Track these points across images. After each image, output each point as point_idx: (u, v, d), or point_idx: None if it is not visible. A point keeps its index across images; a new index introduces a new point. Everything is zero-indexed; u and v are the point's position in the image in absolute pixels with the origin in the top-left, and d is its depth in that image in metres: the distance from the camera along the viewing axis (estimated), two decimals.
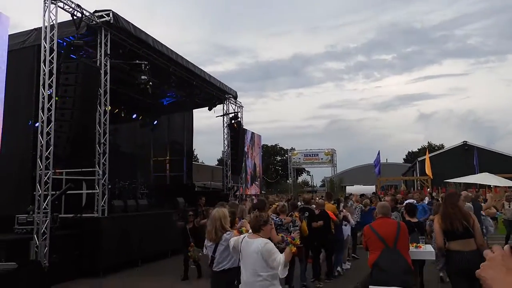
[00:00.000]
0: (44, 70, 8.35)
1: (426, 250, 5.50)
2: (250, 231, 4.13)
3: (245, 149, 20.34)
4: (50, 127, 8.24)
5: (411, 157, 60.02)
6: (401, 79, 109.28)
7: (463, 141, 35.42)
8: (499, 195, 18.13)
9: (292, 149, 37.49)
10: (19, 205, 8.65)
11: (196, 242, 8.22)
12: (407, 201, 8.82)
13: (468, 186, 20.85)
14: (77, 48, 8.74)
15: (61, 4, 8.64)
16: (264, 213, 4.59)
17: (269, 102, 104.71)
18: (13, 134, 8.81)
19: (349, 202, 11.21)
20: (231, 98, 17.03)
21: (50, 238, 7.99)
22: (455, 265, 4.63)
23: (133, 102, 14.67)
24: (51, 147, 8.21)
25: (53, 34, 8.46)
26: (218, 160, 47.97)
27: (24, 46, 9.45)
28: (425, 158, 25.72)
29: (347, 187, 34.11)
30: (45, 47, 8.36)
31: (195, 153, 38.07)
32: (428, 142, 62.87)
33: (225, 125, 17.11)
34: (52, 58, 8.41)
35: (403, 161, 63.01)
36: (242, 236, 4.08)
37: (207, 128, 71.05)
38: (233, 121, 17.04)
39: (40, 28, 8.65)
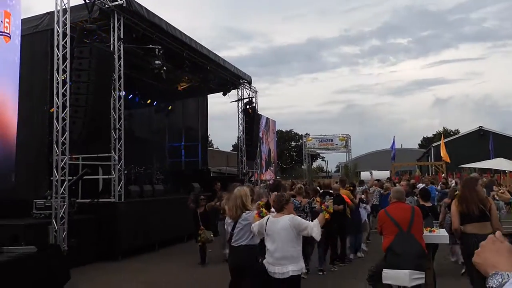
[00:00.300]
0: (57, 55, 8.30)
1: (440, 234, 5.45)
2: (272, 212, 4.41)
3: (260, 134, 20.17)
4: (65, 113, 8.23)
5: (426, 142, 59.08)
6: (417, 64, 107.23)
7: (479, 126, 34.88)
8: None
9: (307, 134, 36.95)
10: (37, 190, 8.74)
11: (206, 226, 8.26)
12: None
13: (483, 171, 20.39)
14: (90, 33, 8.63)
15: None
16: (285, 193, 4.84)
17: (283, 88, 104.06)
18: (30, 119, 8.86)
19: (364, 186, 11.23)
20: (245, 83, 16.82)
21: (68, 223, 8.07)
22: (470, 247, 4.68)
23: (148, 88, 14.61)
24: (66, 133, 8.21)
25: (65, 18, 8.37)
26: (233, 146, 48.04)
27: (37, 31, 9.40)
28: (439, 144, 25.26)
29: (361, 172, 33.76)
30: (58, 31, 8.29)
31: (210, 138, 38.11)
32: (444, 127, 61.78)
33: (240, 110, 16.97)
34: (66, 42, 8.34)
35: (418, 146, 62.05)
36: (265, 218, 4.29)
37: (222, 113, 71.30)
38: (247, 107, 16.87)
39: (53, 12, 8.57)
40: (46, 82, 8.93)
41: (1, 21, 7.46)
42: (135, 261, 9.14)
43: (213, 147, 43.08)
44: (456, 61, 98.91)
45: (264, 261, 4.26)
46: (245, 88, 16.97)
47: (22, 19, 7.81)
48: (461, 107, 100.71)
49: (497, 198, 8.19)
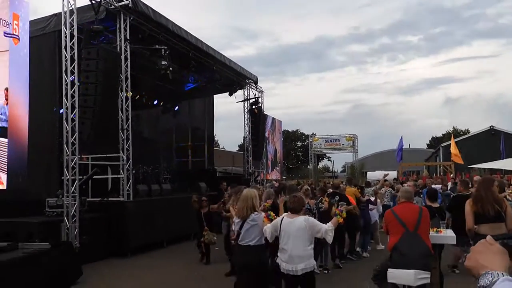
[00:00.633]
0: (65, 56, 8.42)
1: (446, 235, 5.41)
2: (281, 214, 4.68)
3: (266, 134, 20.22)
4: (74, 113, 8.36)
5: (435, 142, 58.51)
6: (427, 62, 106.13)
7: (490, 126, 34.28)
8: None
9: (313, 134, 36.90)
10: (49, 190, 8.95)
11: (210, 227, 8.30)
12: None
13: (493, 172, 20.15)
14: (97, 34, 8.76)
15: None
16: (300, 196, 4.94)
17: (290, 87, 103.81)
18: (40, 121, 9.00)
19: (373, 187, 11.20)
20: (251, 83, 16.89)
21: (79, 221, 8.23)
22: None
23: (154, 88, 14.73)
24: (76, 133, 8.35)
25: (72, 20, 8.49)
26: (239, 146, 48.12)
27: (45, 32, 9.53)
28: (449, 144, 24.96)
29: (368, 173, 33.62)
30: (65, 33, 8.41)
31: (216, 138, 38.20)
32: (453, 127, 61.18)
33: (246, 110, 17.03)
34: (73, 44, 8.47)
35: (426, 146, 61.54)
36: (279, 218, 4.54)
37: (228, 113, 71.37)
38: (253, 107, 16.92)
39: (60, 13, 8.70)
40: (56, 83, 9.08)
41: (10, 23, 7.61)
42: (143, 257, 9.30)
43: (219, 147, 43.22)
44: (468, 59, 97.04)
45: (277, 260, 4.48)
46: (251, 88, 17.03)
47: (30, 21, 7.94)
48: (472, 106, 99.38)
49: (510, 198, 8.19)
